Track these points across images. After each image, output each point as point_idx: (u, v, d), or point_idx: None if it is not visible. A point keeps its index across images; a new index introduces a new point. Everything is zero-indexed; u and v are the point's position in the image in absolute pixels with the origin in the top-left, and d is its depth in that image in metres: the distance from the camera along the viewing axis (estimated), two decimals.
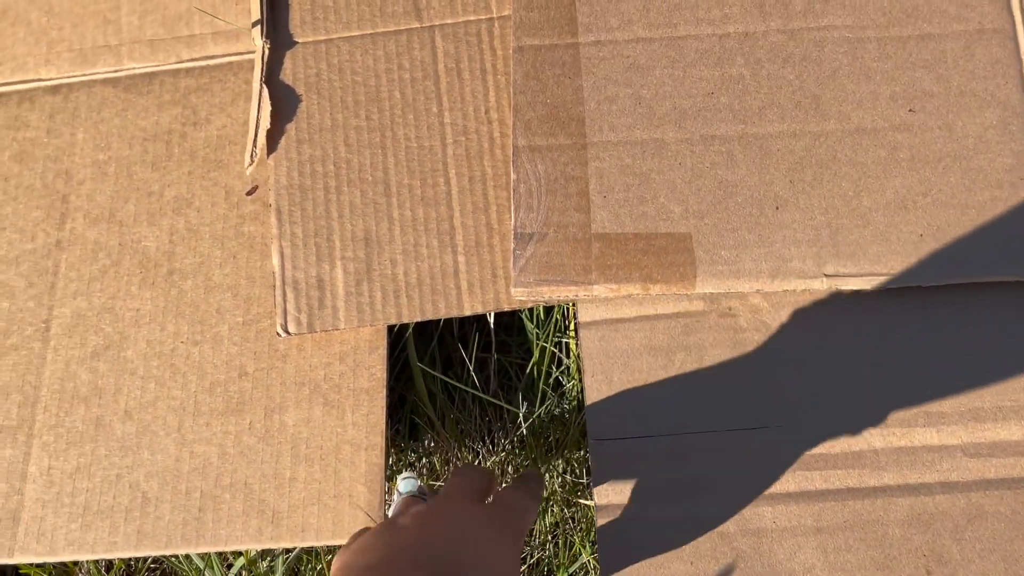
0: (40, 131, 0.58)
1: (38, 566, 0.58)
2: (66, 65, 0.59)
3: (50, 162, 0.57)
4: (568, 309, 0.55)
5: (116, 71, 0.59)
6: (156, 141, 0.57)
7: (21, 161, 0.57)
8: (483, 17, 0.54)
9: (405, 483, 0.41)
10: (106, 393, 0.51)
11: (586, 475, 0.52)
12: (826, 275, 0.46)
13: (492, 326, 0.55)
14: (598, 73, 0.51)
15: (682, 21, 0.51)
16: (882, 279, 0.46)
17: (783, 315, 0.48)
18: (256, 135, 0.53)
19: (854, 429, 0.45)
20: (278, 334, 0.50)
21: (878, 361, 0.46)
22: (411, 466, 0.47)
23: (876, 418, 0.45)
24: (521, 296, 0.48)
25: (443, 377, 0.55)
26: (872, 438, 0.45)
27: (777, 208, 0.48)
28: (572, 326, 0.55)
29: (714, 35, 0.51)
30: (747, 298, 0.48)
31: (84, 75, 0.59)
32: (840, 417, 0.46)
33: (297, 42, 0.55)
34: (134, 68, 0.58)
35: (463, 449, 0.55)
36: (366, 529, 0.36)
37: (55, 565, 0.59)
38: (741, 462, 0.45)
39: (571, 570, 0.54)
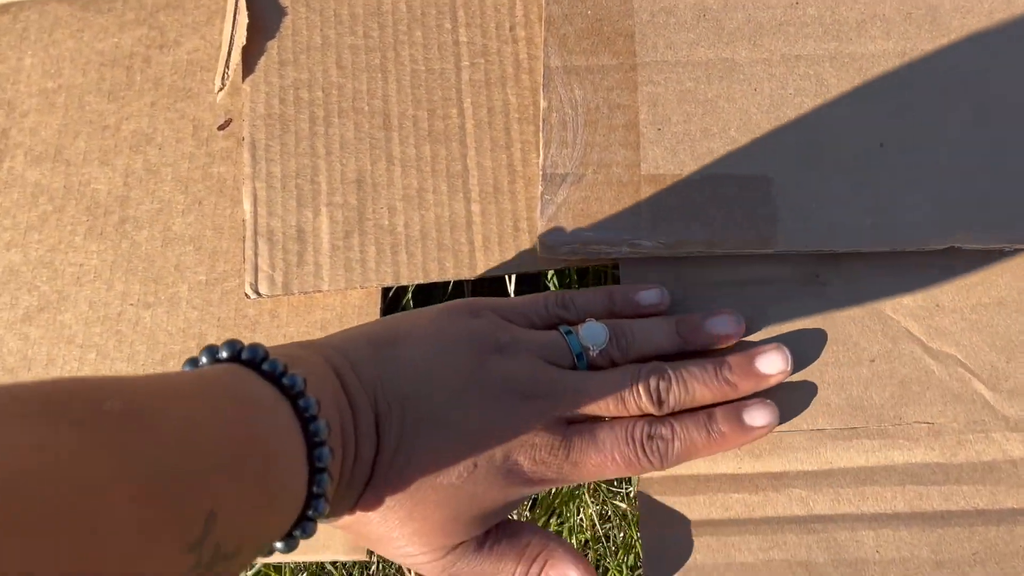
0: None
1: None
2: None
3: None
4: (608, 275, 0.45)
5: None
6: (115, 67, 0.47)
7: None
8: None
9: (590, 330, 0.34)
10: (36, 364, 0.42)
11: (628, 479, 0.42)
12: (947, 232, 0.36)
13: (513, 296, 0.45)
14: None
15: None
16: None
17: (888, 284, 0.37)
18: (230, 53, 0.43)
19: (983, 431, 0.35)
20: (247, 295, 0.40)
21: (1011, 344, 0.36)
22: None
23: (1013, 418, 0.35)
24: (549, 253, 0.38)
25: None
26: (1008, 444, 0.35)
27: (882, 146, 0.37)
28: None
29: None
30: (841, 262, 0.38)
31: None
32: (964, 415, 0.35)
33: None
34: None
35: None
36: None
37: None
38: (834, 471, 0.35)
39: None
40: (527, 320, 0.35)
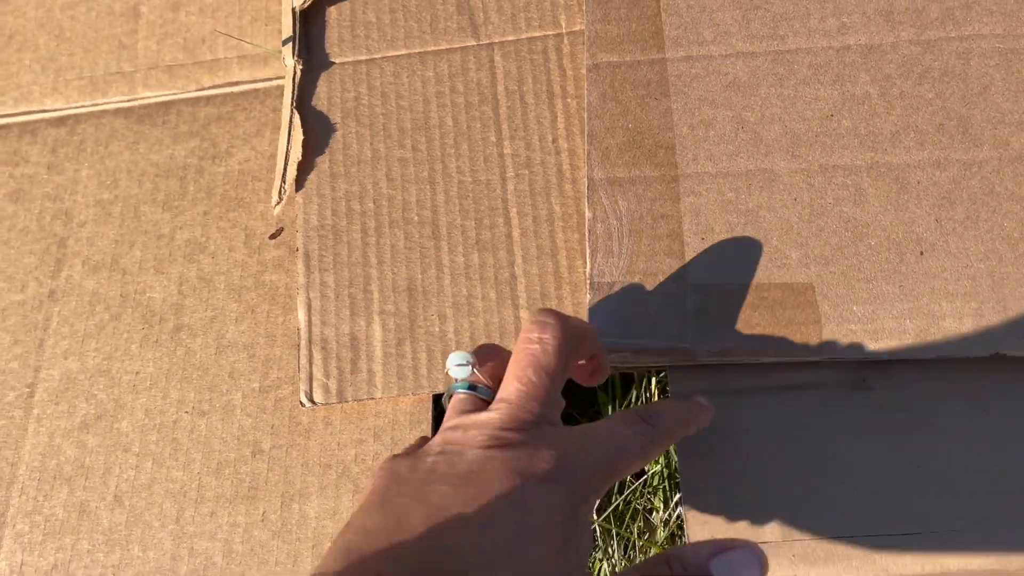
0: (40, 167, 0.53)
1: None
2: (75, 94, 0.55)
3: (48, 201, 0.52)
4: (650, 378, 0.47)
5: (130, 100, 0.54)
6: (169, 177, 0.51)
7: (17, 200, 0.52)
8: (550, 33, 0.49)
9: (457, 368, 0.33)
10: (94, 473, 0.44)
11: None
12: (991, 339, 0.38)
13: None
14: (690, 93, 0.44)
15: (791, 32, 0.45)
16: None
17: (935, 389, 0.39)
18: (286, 169, 0.47)
19: None
20: (301, 404, 0.43)
21: None
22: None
23: None
24: None
25: None
26: None
27: (922, 253, 0.40)
28: (656, 397, 0.47)
29: (831, 48, 0.44)
30: (887, 366, 0.40)
31: (94, 105, 0.54)
32: (1020, 519, 0.37)
33: (334, 62, 0.49)
34: (149, 97, 0.54)
35: None
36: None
37: None
38: None
39: None
40: None
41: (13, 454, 0.45)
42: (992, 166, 0.41)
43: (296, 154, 0.47)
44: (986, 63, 0.43)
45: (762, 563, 0.29)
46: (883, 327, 0.39)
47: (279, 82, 0.52)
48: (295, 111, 0.48)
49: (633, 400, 0.47)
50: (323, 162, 0.47)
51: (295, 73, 0.49)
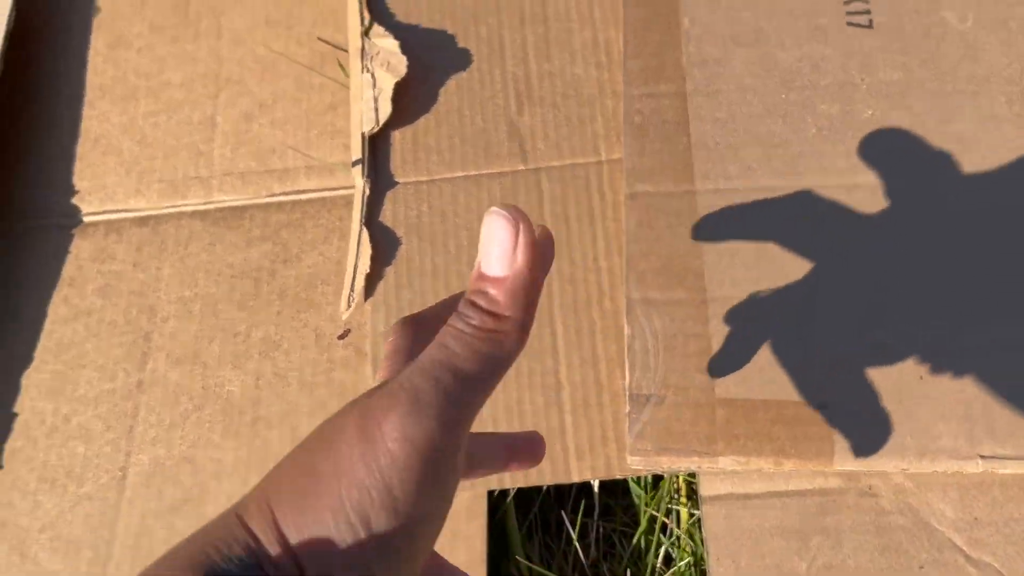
0: (126, 264, 0.59)
1: None
2: (155, 196, 0.61)
3: (134, 297, 0.58)
4: (682, 478, 0.53)
5: (206, 204, 0.60)
6: (244, 278, 0.57)
7: (105, 295, 0.58)
8: (591, 160, 0.55)
9: None
10: None
11: None
12: (982, 456, 0.44)
13: (596, 489, 0.53)
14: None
15: (807, 170, 0.51)
16: None
17: (931, 498, 0.45)
18: (354, 279, 0.53)
19: None
20: None
21: None
22: None
23: None
24: (637, 465, 0.46)
25: (541, 546, 0.53)
26: None
27: (921, 378, 0.46)
28: (683, 491, 0.53)
29: (842, 186, 0.50)
30: (889, 476, 0.46)
31: (173, 207, 0.60)
32: None
33: (398, 182, 0.55)
34: (224, 201, 0.60)
35: None
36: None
37: None
38: None
39: None
40: None
41: (108, 533, 0.51)
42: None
43: (364, 267, 0.52)
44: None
45: (509, 220, 0.22)
46: (887, 442, 0.45)
47: (343, 192, 0.58)
48: (363, 227, 0.54)
49: (664, 494, 0.52)
50: (389, 273, 0.53)
51: (364, 192, 0.55)
